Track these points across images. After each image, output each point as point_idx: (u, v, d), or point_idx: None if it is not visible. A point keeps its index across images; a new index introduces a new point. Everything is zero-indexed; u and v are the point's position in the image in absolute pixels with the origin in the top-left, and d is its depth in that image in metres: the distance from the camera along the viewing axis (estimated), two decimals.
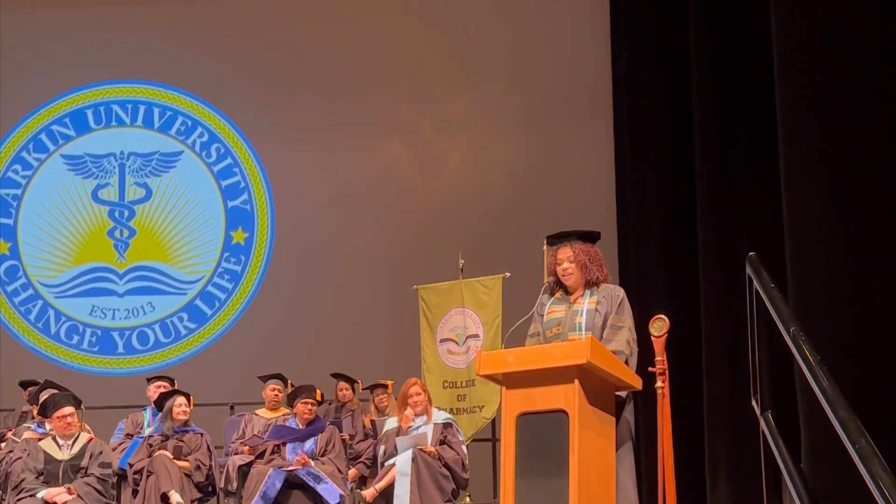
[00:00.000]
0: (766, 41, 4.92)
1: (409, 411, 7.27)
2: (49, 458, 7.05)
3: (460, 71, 11.72)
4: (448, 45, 11.75)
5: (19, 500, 6.83)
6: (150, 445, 7.62)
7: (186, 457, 7.57)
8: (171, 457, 7.44)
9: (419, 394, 7.31)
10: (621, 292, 4.85)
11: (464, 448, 7.33)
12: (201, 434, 7.79)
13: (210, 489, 7.76)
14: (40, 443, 7.20)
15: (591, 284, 4.85)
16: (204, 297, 11.64)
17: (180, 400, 7.82)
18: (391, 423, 7.50)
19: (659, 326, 4.73)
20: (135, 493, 7.42)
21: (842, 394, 2.93)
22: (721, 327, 6.35)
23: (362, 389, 9.45)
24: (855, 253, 4.00)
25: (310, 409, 7.70)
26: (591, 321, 4.73)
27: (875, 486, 2.49)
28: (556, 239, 4.95)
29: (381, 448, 7.33)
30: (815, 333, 3.49)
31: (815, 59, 4.33)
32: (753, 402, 4.07)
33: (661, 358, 4.70)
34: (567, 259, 4.85)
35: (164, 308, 11.62)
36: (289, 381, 8.84)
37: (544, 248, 5.06)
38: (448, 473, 7.06)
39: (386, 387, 9.14)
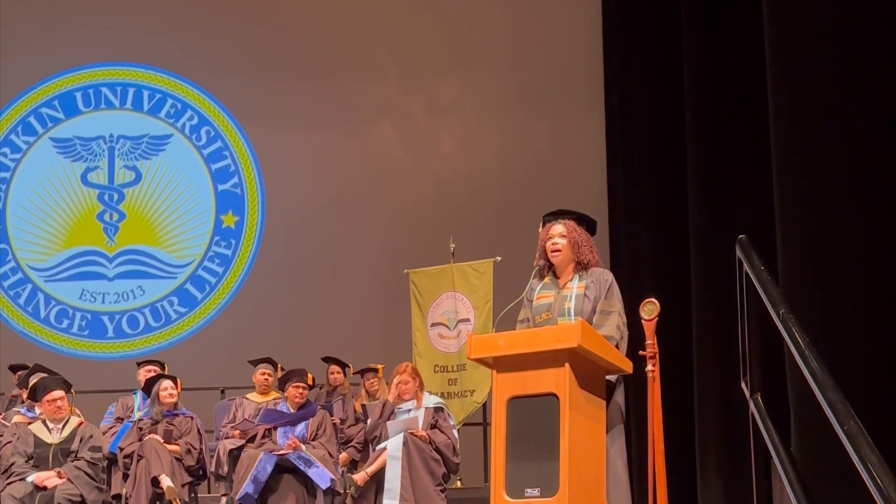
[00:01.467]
0: (759, 24, 4.91)
1: (396, 380, 7.27)
2: (39, 442, 7.04)
3: (452, 55, 11.69)
4: (439, 28, 11.72)
5: (9, 483, 6.83)
6: (141, 429, 7.61)
7: (177, 441, 7.56)
8: (162, 441, 7.44)
9: (406, 382, 7.29)
10: (610, 276, 4.84)
11: (455, 433, 7.34)
12: (192, 418, 7.78)
13: (201, 473, 7.76)
14: (30, 427, 7.19)
15: (579, 268, 4.83)
16: (194, 281, 11.62)
17: (166, 384, 7.80)
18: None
19: (649, 310, 4.72)
20: (125, 476, 7.41)
21: (831, 376, 2.94)
22: (711, 310, 6.36)
23: (353, 374, 9.45)
24: (845, 235, 4.01)
25: (301, 394, 7.70)
26: (579, 306, 4.72)
27: (863, 467, 2.50)
28: (553, 216, 4.93)
29: (372, 418, 7.32)
30: (804, 316, 3.49)
31: (806, 43, 4.32)
32: (743, 385, 4.08)
33: (651, 341, 4.69)
34: (559, 234, 4.83)
35: (154, 292, 11.60)
36: (279, 365, 8.83)
37: (540, 229, 5.03)
38: (439, 457, 7.06)
39: (376, 371, 9.14)
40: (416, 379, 7.35)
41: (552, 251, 4.83)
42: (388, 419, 7.24)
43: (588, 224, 4.96)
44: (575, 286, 4.79)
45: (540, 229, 4.99)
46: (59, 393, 7.11)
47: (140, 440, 7.46)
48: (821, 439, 3.59)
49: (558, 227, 4.85)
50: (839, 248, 4.01)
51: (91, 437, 7.15)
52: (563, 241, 4.82)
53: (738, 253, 4.03)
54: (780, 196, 4.41)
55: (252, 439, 7.60)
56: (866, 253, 3.98)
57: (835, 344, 3.73)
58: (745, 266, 3.92)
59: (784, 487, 3.68)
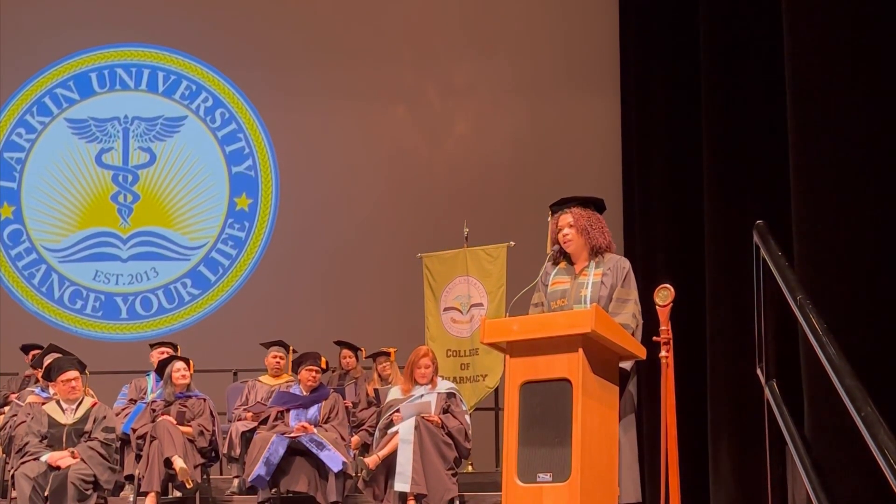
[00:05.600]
0: (777, 6, 4.87)
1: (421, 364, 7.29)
2: (53, 423, 7.07)
3: (466, 38, 11.65)
4: (454, 11, 11.68)
5: (23, 463, 6.86)
6: (154, 411, 7.63)
7: (190, 422, 7.58)
8: (175, 422, 7.45)
9: (427, 366, 7.31)
10: (627, 264, 4.83)
11: (467, 418, 7.33)
12: (204, 400, 7.80)
13: (213, 455, 7.78)
14: (44, 407, 7.22)
15: (595, 253, 4.82)
16: (207, 263, 11.64)
17: (178, 365, 7.83)
18: (394, 392, 7.50)
19: (664, 296, 4.70)
20: (138, 457, 7.44)
21: (848, 362, 2.92)
22: (726, 296, 6.33)
23: (365, 357, 9.46)
24: (862, 221, 3.98)
25: (314, 377, 7.70)
26: (596, 294, 4.71)
27: (880, 453, 2.48)
28: (558, 206, 4.93)
29: (384, 419, 7.34)
30: (821, 302, 3.47)
31: (825, 26, 4.28)
32: (758, 371, 4.06)
33: (665, 327, 4.68)
34: (567, 224, 4.83)
35: (168, 274, 11.62)
36: (291, 348, 8.84)
37: (549, 218, 5.03)
38: (451, 442, 7.07)
39: (389, 355, 9.14)
40: (434, 363, 7.38)
41: (564, 242, 4.83)
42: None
43: (595, 205, 4.94)
44: (591, 273, 4.78)
45: (548, 219, 4.99)
46: (73, 373, 7.13)
47: (153, 421, 7.48)
48: (836, 426, 3.57)
49: (566, 217, 4.85)
50: (857, 232, 3.98)
51: (104, 417, 7.17)
52: (572, 231, 4.81)
53: (756, 238, 4.00)
54: (796, 181, 4.37)
55: (264, 421, 7.62)
56: (883, 239, 3.95)
57: (851, 330, 3.70)
58: (763, 252, 3.90)
59: (797, 474, 3.66)
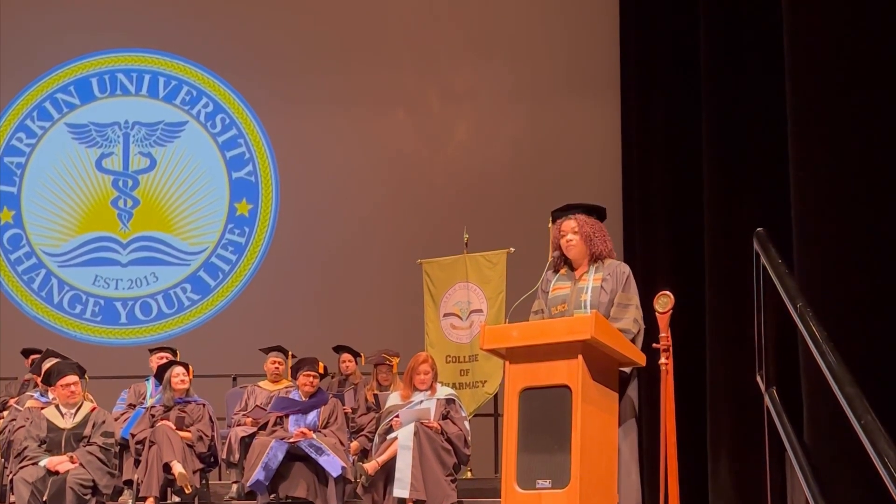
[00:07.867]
0: (777, 15, 4.87)
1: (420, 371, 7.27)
2: (52, 427, 7.07)
3: (467, 43, 11.65)
4: (455, 16, 11.68)
5: (22, 467, 6.85)
6: (153, 416, 7.63)
7: (189, 427, 7.58)
8: (174, 427, 7.46)
9: (427, 372, 7.30)
10: (627, 269, 4.84)
11: (466, 424, 7.33)
12: (203, 405, 7.80)
13: (212, 460, 7.79)
14: (43, 411, 7.22)
15: (595, 259, 4.83)
16: (207, 268, 11.64)
17: (178, 370, 7.83)
18: (393, 398, 7.50)
19: (664, 303, 4.70)
20: (137, 462, 7.44)
21: (848, 370, 2.91)
22: (725, 303, 6.33)
23: (365, 363, 9.44)
24: (862, 228, 3.97)
25: (311, 382, 7.70)
26: (596, 298, 4.72)
27: (880, 462, 2.48)
28: (562, 212, 4.94)
29: (383, 424, 7.33)
30: (821, 309, 3.47)
31: (825, 31, 4.28)
32: (758, 378, 4.06)
33: (665, 334, 4.68)
34: (571, 230, 4.85)
35: (168, 279, 11.62)
36: (290, 353, 8.84)
37: (549, 225, 5.05)
38: (450, 448, 7.06)
39: (391, 365, 9.10)
40: (434, 369, 7.37)
41: (567, 247, 4.85)
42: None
43: (598, 213, 4.96)
44: (591, 278, 4.79)
45: (549, 225, 5.00)
46: (73, 378, 7.13)
47: (152, 426, 7.49)
48: (836, 434, 3.57)
49: (570, 223, 4.87)
50: (857, 240, 3.97)
51: (104, 422, 7.17)
52: (576, 237, 4.83)
53: (756, 246, 4.01)
54: (796, 188, 4.37)
55: (264, 427, 7.62)
56: (884, 247, 3.94)
57: (851, 338, 3.70)
58: (763, 259, 3.90)
59: (797, 481, 3.66)
